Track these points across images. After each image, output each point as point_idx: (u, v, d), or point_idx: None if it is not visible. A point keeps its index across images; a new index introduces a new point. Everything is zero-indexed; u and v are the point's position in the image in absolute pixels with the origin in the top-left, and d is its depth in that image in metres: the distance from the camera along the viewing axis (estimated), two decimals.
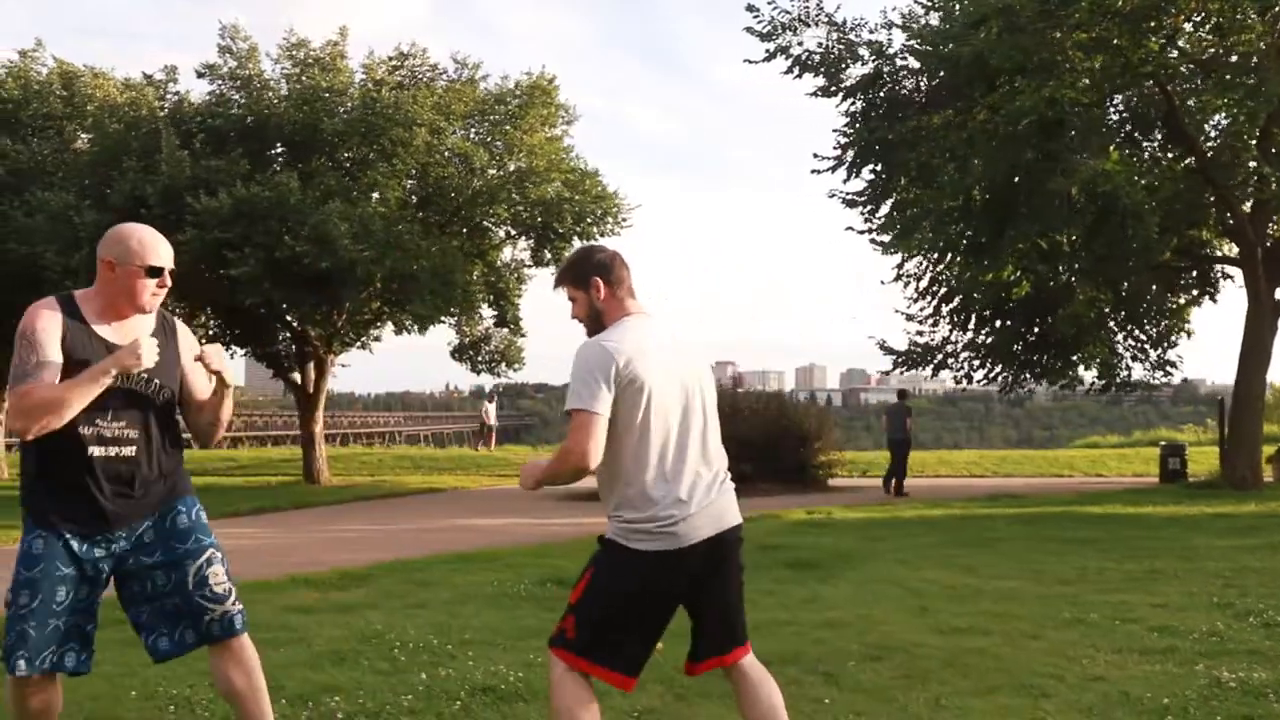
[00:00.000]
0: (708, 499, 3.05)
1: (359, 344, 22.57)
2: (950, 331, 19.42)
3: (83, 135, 21.36)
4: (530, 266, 22.31)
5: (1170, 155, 16.87)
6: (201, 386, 3.27)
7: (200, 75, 19.77)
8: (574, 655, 2.99)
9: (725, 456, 3.20)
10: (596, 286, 3.11)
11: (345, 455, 28.67)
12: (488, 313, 22.85)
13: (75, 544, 3.03)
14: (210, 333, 23.15)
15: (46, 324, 3.00)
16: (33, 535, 3.04)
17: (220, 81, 19.60)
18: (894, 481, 17.61)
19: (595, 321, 3.13)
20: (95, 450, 3.01)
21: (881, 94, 17.07)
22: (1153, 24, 13.88)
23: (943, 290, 19.04)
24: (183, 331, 3.30)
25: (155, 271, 3.11)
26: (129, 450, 3.07)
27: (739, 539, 3.19)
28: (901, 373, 19.94)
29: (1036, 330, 18.77)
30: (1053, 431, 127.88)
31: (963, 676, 4.84)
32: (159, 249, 3.13)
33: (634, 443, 2.98)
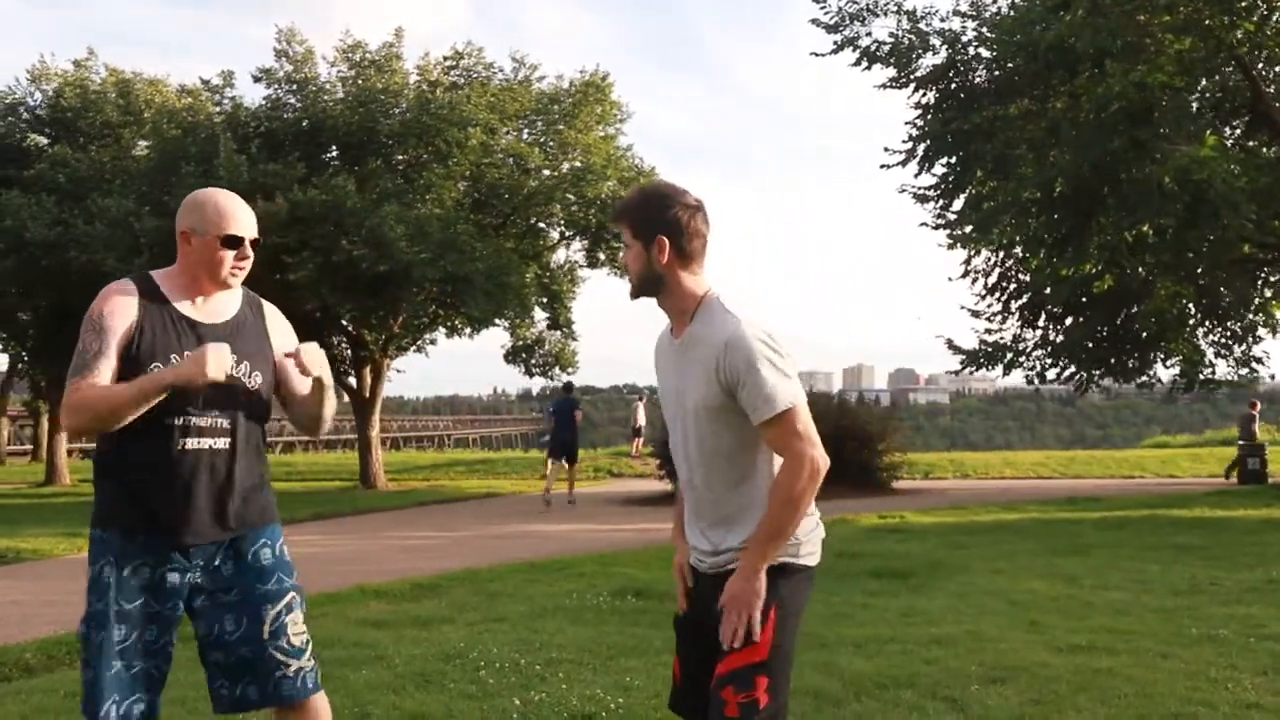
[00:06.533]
0: None
1: (415, 348, 22.45)
2: (1020, 329, 18.83)
3: (141, 142, 21.46)
4: (584, 268, 22.07)
5: (1253, 143, 16.19)
6: (297, 376, 2.87)
7: (257, 80, 19.79)
8: None
9: None
10: (661, 247, 2.47)
11: (399, 459, 28.60)
12: (540, 315, 22.64)
13: (148, 572, 2.64)
14: None
15: (114, 308, 2.64)
16: (102, 560, 2.66)
17: (277, 85, 19.57)
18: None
19: (654, 289, 2.52)
20: (186, 443, 2.63)
21: (955, 84, 16.54)
22: (1244, 3, 13.26)
23: (1012, 286, 18.47)
24: (272, 312, 2.92)
25: (234, 241, 2.72)
26: (222, 443, 2.68)
27: None
28: (970, 371, 19.35)
29: (1113, 327, 18.11)
30: (1106, 431, 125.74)
31: (1100, 703, 4.43)
32: (238, 216, 2.74)
33: None
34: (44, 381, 25.33)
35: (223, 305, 2.79)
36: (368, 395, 21.64)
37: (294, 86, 19.38)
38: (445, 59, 20.18)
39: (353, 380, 21.81)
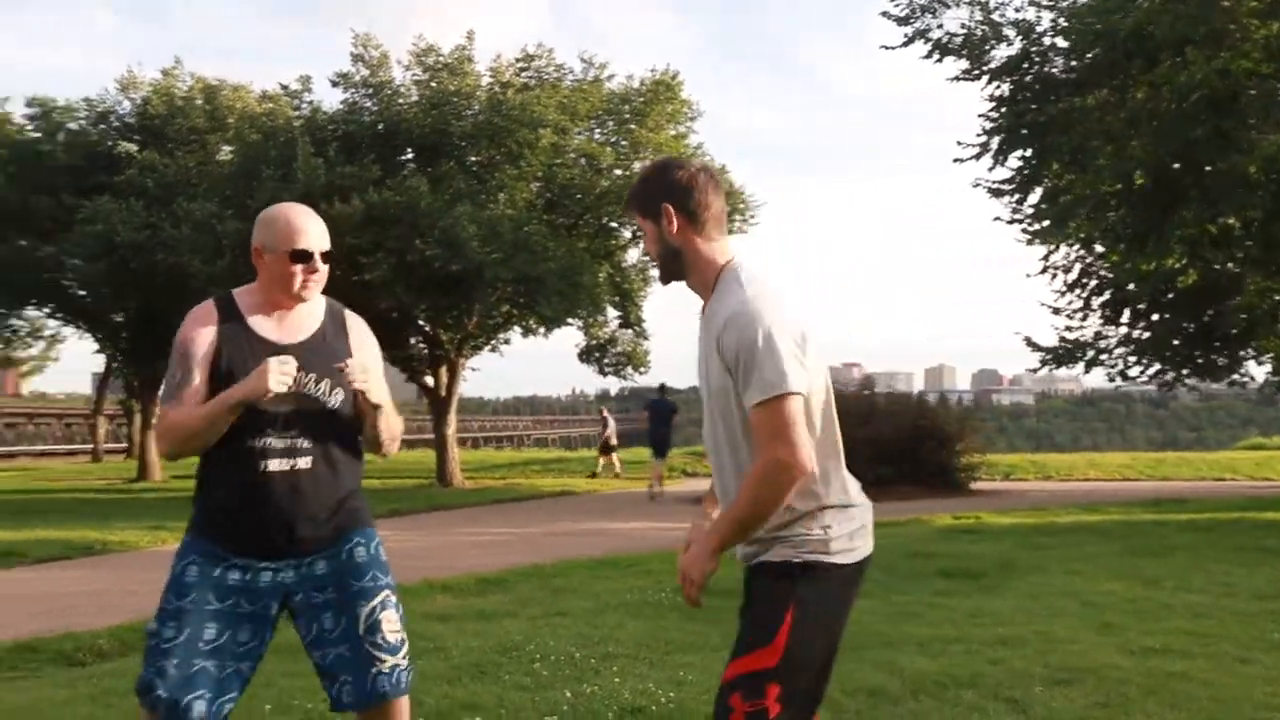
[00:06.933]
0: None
1: (489, 347, 22.67)
2: (1102, 326, 18.32)
3: (225, 147, 22.05)
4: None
5: None
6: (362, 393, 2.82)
7: (335, 84, 20.15)
8: None
9: None
10: (669, 216, 2.37)
11: (476, 458, 28.91)
12: (613, 314, 22.69)
13: (235, 575, 2.66)
14: None
15: (195, 334, 2.69)
16: (187, 560, 2.68)
17: (353, 90, 19.92)
18: None
19: (672, 265, 2.40)
20: (268, 465, 2.64)
21: (1029, 75, 16.15)
22: None
23: (1094, 282, 17.98)
24: (355, 325, 2.88)
25: (303, 256, 2.71)
26: (304, 462, 2.68)
27: None
28: (1050, 369, 18.89)
29: (1199, 323, 17.51)
30: (1199, 433, 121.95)
31: (1170, 707, 4.27)
32: (307, 229, 2.73)
33: (822, 426, 2.33)
34: (136, 381, 26.18)
35: (302, 321, 2.78)
36: (444, 394, 21.90)
37: (370, 90, 19.71)
38: (517, 60, 20.35)
39: (429, 379, 22.09)
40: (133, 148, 21.78)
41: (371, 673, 2.70)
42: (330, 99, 24.99)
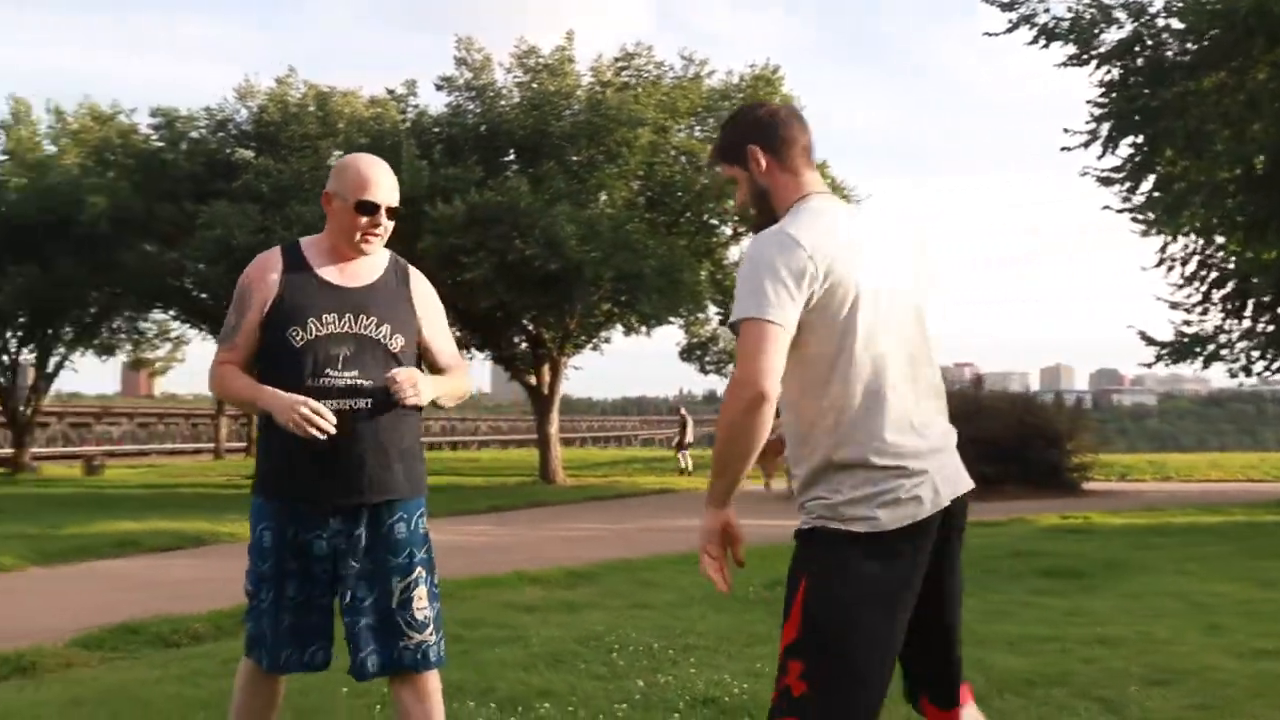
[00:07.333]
0: (942, 447, 2.21)
1: (590, 345, 22.83)
2: (1223, 320, 17.49)
3: (335, 152, 22.65)
4: None
5: None
6: (439, 347, 2.90)
7: (439, 88, 20.57)
8: None
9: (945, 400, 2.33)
10: (755, 157, 2.25)
11: (579, 456, 29.15)
12: (714, 312, 22.62)
13: (295, 535, 2.72)
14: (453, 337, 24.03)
15: (256, 279, 2.77)
16: (262, 525, 2.77)
17: (457, 92, 20.28)
18: None
19: (763, 205, 2.28)
20: (328, 404, 2.64)
21: (1141, 59, 15.49)
22: None
23: (1213, 274, 17.18)
24: (418, 280, 2.90)
25: (369, 207, 2.72)
26: (363, 403, 2.69)
27: (965, 517, 2.28)
28: (1166, 365, 18.12)
29: None
30: None
31: (1276, 709, 4.03)
32: (379, 182, 2.74)
33: (845, 374, 2.12)
34: None
35: (365, 269, 2.82)
36: (546, 392, 22.14)
37: (473, 93, 20.04)
38: (616, 59, 20.44)
39: (532, 378, 22.35)
40: (249, 154, 22.52)
41: (398, 646, 2.74)
42: (435, 102, 25.51)
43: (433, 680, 2.81)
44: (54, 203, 22.92)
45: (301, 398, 2.61)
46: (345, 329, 2.71)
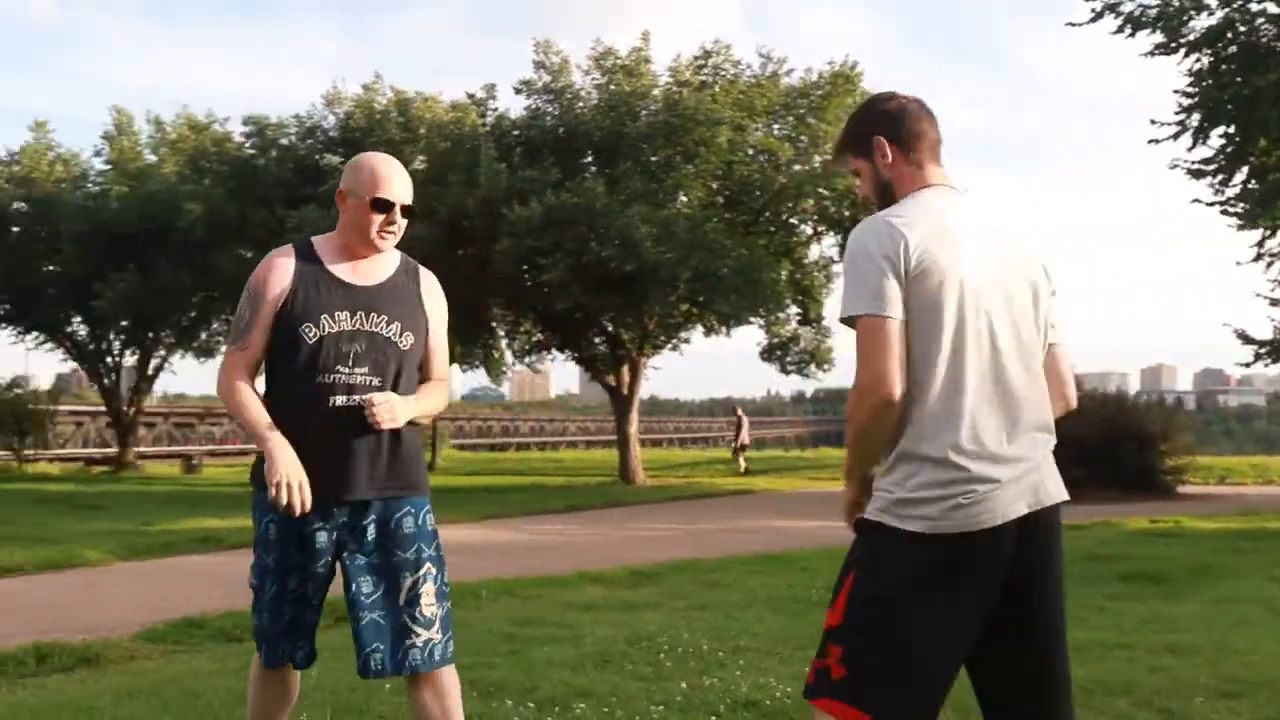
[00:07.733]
0: (1025, 456, 2.10)
1: (670, 346, 22.80)
2: None
3: (418, 157, 23.02)
4: (837, 263, 21.64)
5: None
6: (433, 348, 2.91)
7: (518, 91, 20.74)
8: (843, 704, 2.05)
9: (1049, 404, 2.24)
10: (881, 149, 2.23)
11: (661, 456, 29.14)
12: (794, 312, 22.41)
13: (297, 530, 2.73)
14: (533, 338, 24.26)
15: (267, 276, 2.77)
16: (267, 519, 2.79)
17: (535, 95, 20.44)
18: None
19: (886, 199, 2.24)
20: (336, 400, 2.69)
21: (1234, 46, 14.85)
22: None
23: None
24: (428, 280, 2.92)
25: (383, 205, 2.75)
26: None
27: (1059, 526, 2.19)
28: (1266, 364, 17.36)
29: None
30: None
31: None
32: (393, 180, 2.77)
33: (930, 366, 2.06)
34: None
35: (377, 268, 2.84)
36: (626, 393, 22.18)
37: (550, 96, 20.17)
38: (695, 59, 20.38)
39: (611, 378, 22.41)
40: (336, 159, 22.98)
41: (405, 644, 2.72)
42: (514, 106, 25.77)
43: (449, 676, 2.80)
44: (153, 210, 23.78)
45: (301, 473, 2.62)
46: (356, 326, 2.74)
